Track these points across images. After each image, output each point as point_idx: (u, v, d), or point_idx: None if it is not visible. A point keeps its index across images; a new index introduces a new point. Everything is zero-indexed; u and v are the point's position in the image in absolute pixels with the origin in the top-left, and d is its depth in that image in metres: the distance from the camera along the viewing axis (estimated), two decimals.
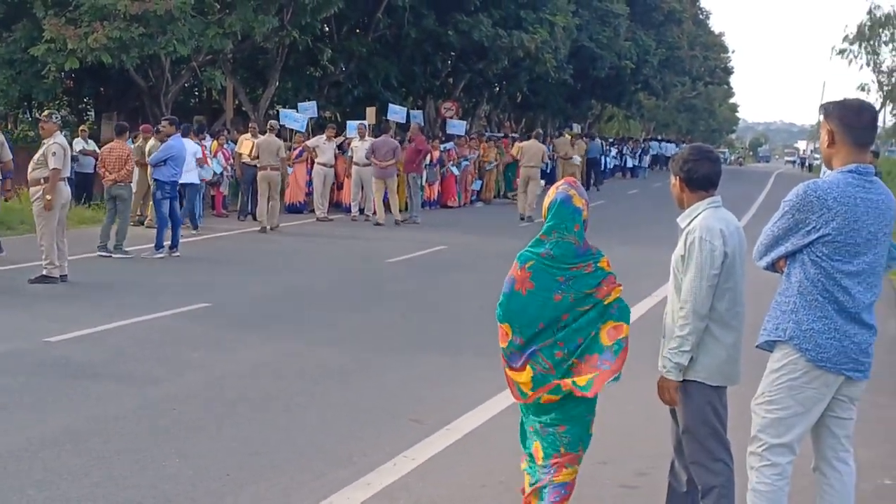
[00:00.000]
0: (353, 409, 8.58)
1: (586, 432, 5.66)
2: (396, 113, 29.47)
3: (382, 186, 24.10)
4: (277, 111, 33.50)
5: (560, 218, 5.50)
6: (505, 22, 35.62)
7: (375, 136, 25.74)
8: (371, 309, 13.61)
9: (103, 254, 16.89)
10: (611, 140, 57.16)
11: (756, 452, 5.36)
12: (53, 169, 14.18)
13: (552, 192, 5.61)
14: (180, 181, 19.23)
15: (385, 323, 12.63)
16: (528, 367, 5.51)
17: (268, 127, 23.52)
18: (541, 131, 34.68)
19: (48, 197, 14.09)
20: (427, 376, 9.87)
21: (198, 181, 21.52)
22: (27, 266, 15.01)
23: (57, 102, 31.86)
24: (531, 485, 5.75)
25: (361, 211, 25.31)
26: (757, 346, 5.41)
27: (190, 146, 20.50)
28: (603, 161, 47.19)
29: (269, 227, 21.79)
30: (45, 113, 16.01)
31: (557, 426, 5.60)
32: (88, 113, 34.42)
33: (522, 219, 26.44)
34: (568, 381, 5.46)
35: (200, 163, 21.58)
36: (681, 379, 5.50)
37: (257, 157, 22.52)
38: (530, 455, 5.77)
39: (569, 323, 5.49)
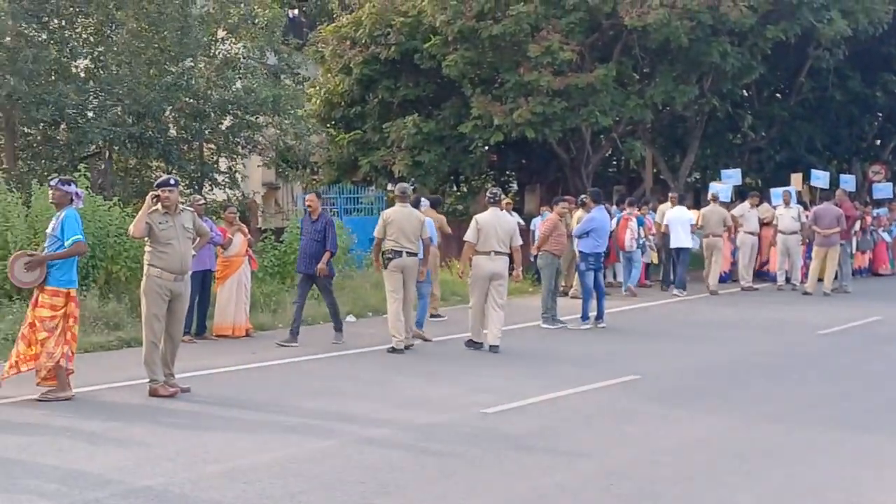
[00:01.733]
0: (790, 491, 8.18)
1: None
2: (819, 178, 28.25)
3: (823, 255, 23.11)
4: (696, 179, 33.29)
5: None
6: None
7: (800, 204, 25.13)
8: (805, 383, 13.03)
9: (545, 325, 17.42)
10: None
11: None
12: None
13: None
14: (676, 246, 22.90)
15: (822, 398, 12.02)
16: None
17: (710, 198, 24.29)
18: None
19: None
20: (870, 458, 9.25)
21: (690, 246, 23.18)
22: (462, 335, 15.53)
23: (483, 176, 33.12)
24: None
25: (788, 280, 24.48)
26: None
27: (685, 214, 23.41)
28: None
29: (715, 292, 23.16)
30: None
31: None
32: (510, 185, 35.47)
33: None
34: None
35: (693, 229, 23.17)
36: None
37: (701, 227, 23.38)
38: None
39: None
